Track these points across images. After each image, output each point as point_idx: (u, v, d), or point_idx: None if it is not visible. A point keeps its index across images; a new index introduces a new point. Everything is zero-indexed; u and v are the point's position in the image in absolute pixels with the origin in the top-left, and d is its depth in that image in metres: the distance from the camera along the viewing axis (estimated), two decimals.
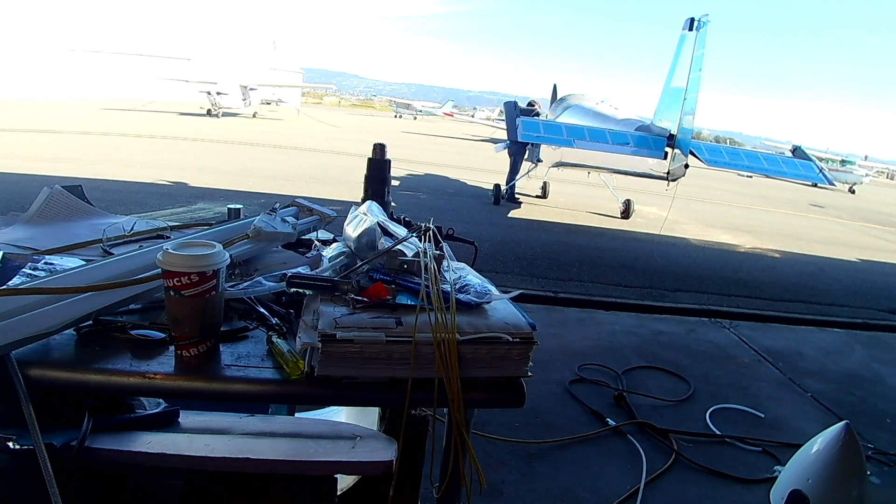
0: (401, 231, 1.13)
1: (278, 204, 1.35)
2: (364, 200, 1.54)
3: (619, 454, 2.48)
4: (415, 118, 48.28)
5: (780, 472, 2.30)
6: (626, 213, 9.10)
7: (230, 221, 1.30)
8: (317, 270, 1.03)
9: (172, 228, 1.35)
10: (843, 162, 29.01)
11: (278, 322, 0.95)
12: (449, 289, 0.91)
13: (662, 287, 5.40)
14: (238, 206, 1.46)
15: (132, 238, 1.25)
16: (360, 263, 0.99)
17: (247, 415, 1.03)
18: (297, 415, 1.45)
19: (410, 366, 0.80)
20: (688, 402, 3.02)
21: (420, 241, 1.11)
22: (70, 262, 1.01)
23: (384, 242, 1.02)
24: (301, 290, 0.94)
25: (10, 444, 0.80)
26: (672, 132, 6.65)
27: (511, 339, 0.83)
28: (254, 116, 27.41)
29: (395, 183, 1.78)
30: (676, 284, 5.55)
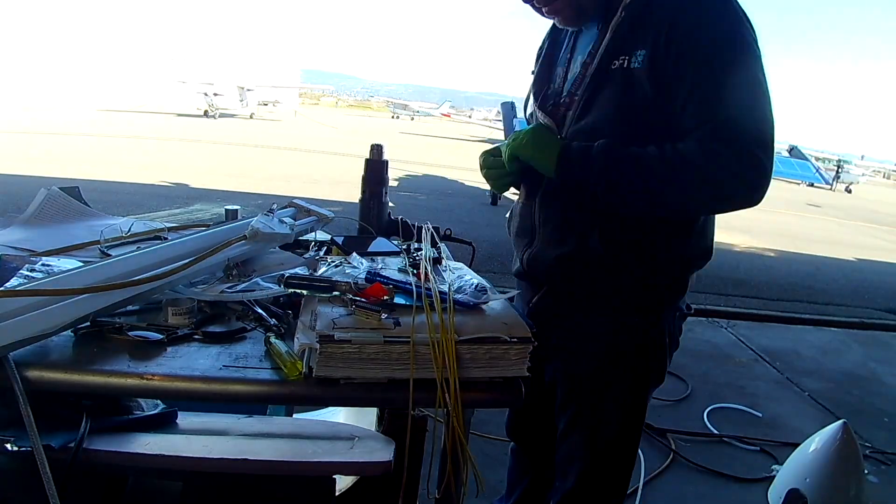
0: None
1: (276, 205, 1.35)
2: (362, 201, 1.54)
3: None
4: (412, 119, 48.33)
5: (777, 471, 2.31)
6: None
7: (228, 222, 1.30)
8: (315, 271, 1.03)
9: (170, 230, 1.35)
10: (839, 161, 29.11)
11: (276, 323, 0.95)
12: (447, 289, 0.91)
13: None
14: (235, 207, 1.46)
15: (130, 239, 1.25)
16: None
17: (245, 416, 1.03)
18: (295, 416, 1.46)
19: (410, 366, 0.80)
20: (685, 401, 3.02)
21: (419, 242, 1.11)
22: (67, 263, 1.01)
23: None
24: (299, 291, 0.94)
25: (9, 446, 0.80)
26: None
27: (509, 339, 0.83)
28: (251, 117, 27.40)
29: (392, 184, 1.79)
30: None
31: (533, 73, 1.30)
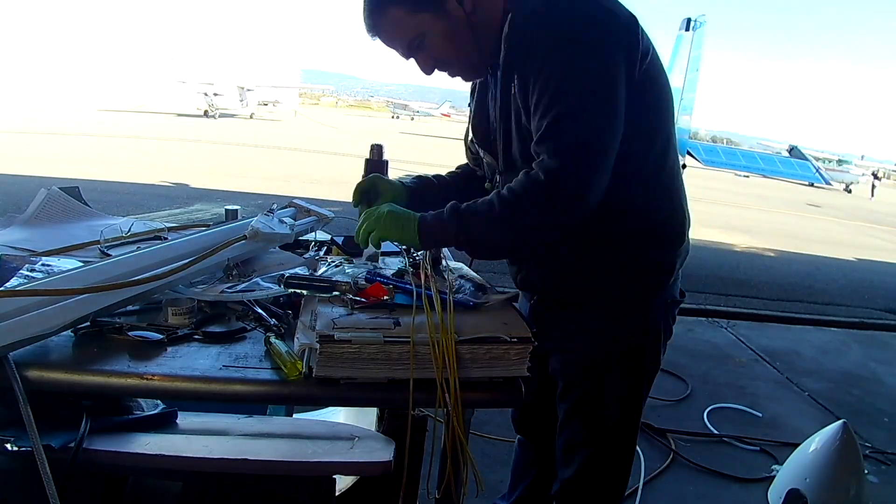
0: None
1: (276, 205, 1.35)
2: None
3: None
4: (412, 119, 48.36)
5: (777, 471, 2.31)
6: None
7: (228, 222, 1.30)
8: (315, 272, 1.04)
9: (170, 230, 1.35)
10: (839, 161, 29.15)
11: (276, 323, 0.95)
12: (447, 289, 0.91)
13: None
14: (235, 207, 1.46)
15: (130, 239, 1.25)
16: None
17: (245, 416, 1.03)
18: (295, 416, 1.46)
19: (410, 366, 0.80)
20: (686, 401, 3.02)
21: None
22: (68, 263, 1.01)
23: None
24: (299, 291, 0.94)
25: (9, 446, 0.81)
26: None
27: (509, 339, 0.83)
28: (251, 117, 27.40)
29: None
30: None
31: (470, 105, 1.29)
